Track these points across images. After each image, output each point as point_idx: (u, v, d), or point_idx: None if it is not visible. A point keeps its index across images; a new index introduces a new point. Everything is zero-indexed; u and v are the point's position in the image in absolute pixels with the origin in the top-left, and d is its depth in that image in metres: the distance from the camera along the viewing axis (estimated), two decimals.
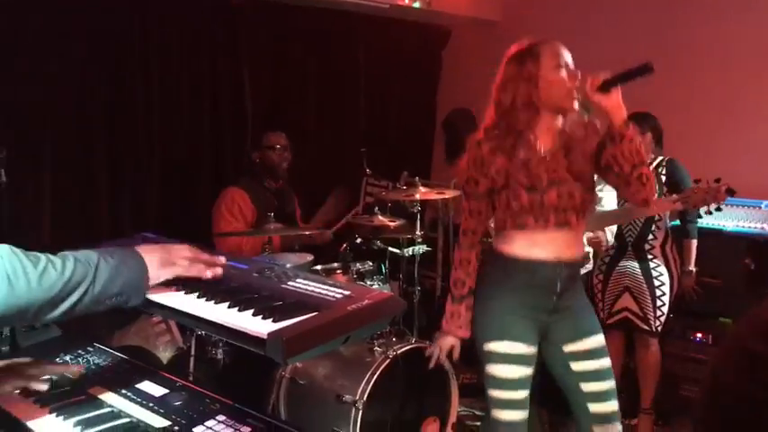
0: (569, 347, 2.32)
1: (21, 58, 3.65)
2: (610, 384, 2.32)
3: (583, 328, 2.33)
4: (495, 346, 2.27)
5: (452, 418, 3.12)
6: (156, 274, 1.36)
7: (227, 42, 4.54)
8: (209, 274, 1.44)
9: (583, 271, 3.38)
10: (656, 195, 3.37)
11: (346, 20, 5.03)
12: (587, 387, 2.31)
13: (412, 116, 5.68)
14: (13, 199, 3.55)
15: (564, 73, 2.20)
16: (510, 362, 2.26)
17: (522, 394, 2.28)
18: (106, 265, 1.27)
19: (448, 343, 2.38)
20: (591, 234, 3.28)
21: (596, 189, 3.32)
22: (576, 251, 2.32)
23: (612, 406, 2.31)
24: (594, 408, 2.31)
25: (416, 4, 5.01)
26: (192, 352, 2.95)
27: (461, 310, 2.34)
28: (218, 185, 4.01)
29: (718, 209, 2.94)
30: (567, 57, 2.23)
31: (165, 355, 3.24)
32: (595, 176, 2.34)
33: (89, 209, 4.00)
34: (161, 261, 1.37)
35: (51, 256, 1.22)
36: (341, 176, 4.92)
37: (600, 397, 2.31)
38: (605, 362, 2.33)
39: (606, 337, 3.54)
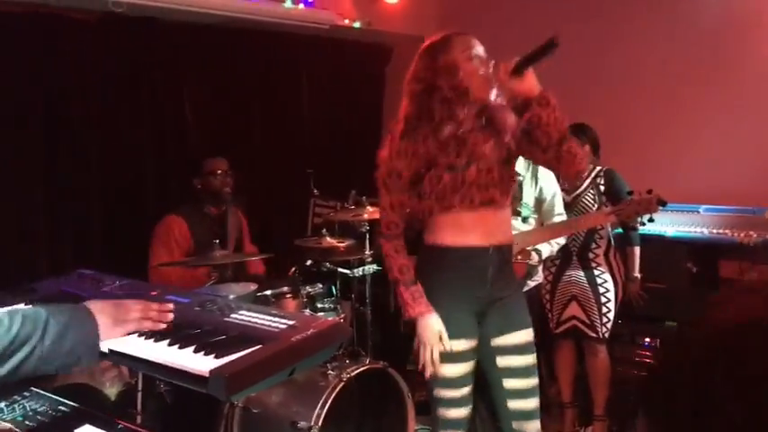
0: (496, 341, 2.32)
1: None
2: (532, 382, 2.33)
3: (511, 322, 2.33)
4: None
5: None
6: (109, 332, 1.34)
7: (168, 67, 4.46)
8: (161, 326, 1.42)
9: (532, 283, 3.43)
10: (596, 206, 3.45)
11: (287, 42, 5.01)
12: (509, 383, 2.31)
13: (358, 135, 5.66)
14: None
15: (476, 62, 2.24)
16: (453, 360, 2.25)
17: (466, 391, 2.29)
18: (56, 322, 1.24)
19: (434, 324, 2.20)
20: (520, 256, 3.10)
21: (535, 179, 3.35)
22: (504, 235, 2.33)
23: (531, 403, 2.32)
24: (513, 404, 2.31)
25: (356, 24, 5.03)
26: (140, 387, 2.86)
27: (420, 289, 2.26)
28: (163, 212, 3.91)
29: (651, 219, 3.01)
30: (479, 47, 2.28)
31: (112, 390, 3.13)
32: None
33: (27, 238, 3.85)
34: (113, 319, 1.35)
35: None
36: (288, 199, 4.88)
37: (520, 394, 2.31)
38: (530, 359, 2.33)
39: (557, 348, 3.65)
